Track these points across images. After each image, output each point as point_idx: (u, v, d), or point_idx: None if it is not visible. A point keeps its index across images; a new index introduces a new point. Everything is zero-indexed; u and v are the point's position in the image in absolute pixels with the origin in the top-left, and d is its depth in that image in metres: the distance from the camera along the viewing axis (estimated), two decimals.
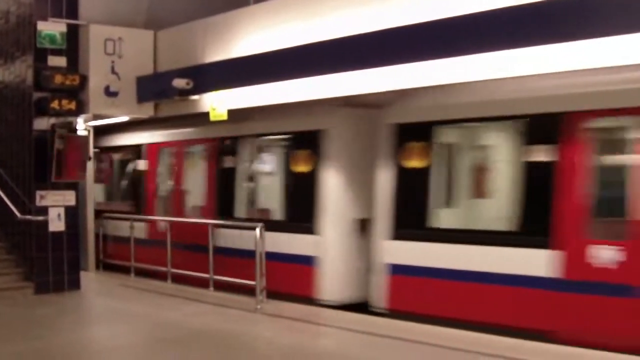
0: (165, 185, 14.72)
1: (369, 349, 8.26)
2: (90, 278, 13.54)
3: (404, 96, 9.91)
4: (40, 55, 11.98)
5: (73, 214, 12.25)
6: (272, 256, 10.96)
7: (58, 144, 11.73)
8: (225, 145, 13.04)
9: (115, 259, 14.59)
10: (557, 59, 7.60)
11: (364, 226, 11.08)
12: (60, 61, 12.13)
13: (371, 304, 10.38)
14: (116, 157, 16.30)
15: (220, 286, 11.82)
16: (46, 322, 10.06)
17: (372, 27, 9.42)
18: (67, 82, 11.98)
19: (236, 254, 11.95)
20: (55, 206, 12.01)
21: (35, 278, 11.89)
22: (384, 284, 10.14)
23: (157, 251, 13.22)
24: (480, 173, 10.30)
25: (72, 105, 12.07)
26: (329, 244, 11.07)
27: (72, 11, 12.31)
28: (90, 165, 13.70)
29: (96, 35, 12.88)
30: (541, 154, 8.57)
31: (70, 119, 12.19)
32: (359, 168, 11.10)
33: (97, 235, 14.72)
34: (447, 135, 10.15)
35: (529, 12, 7.77)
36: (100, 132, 15.54)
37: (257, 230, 10.62)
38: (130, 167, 15.63)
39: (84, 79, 12.43)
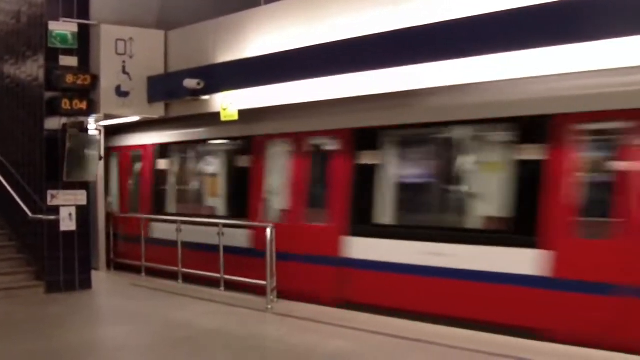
0: None
1: (381, 349, 8.24)
2: (101, 277, 13.57)
3: None
4: (52, 55, 12.04)
5: (84, 214, 12.29)
6: None
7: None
8: None
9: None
10: None
11: None
12: (71, 61, 12.18)
13: None
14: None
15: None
16: (57, 321, 10.08)
17: (384, 27, 9.43)
18: (79, 82, 12.04)
19: None
20: (66, 206, 12.06)
21: (47, 277, 11.94)
22: None
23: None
24: None
25: (84, 105, 12.13)
26: None
27: (83, 11, 12.38)
28: (101, 165, 13.72)
29: (107, 35, 12.87)
30: None
31: (81, 118, 12.23)
32: None
33: (107, 235, 14.76)
34: None
35: None
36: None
37: (268, 230, 10.63)
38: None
39: (96, 79, 12.46)
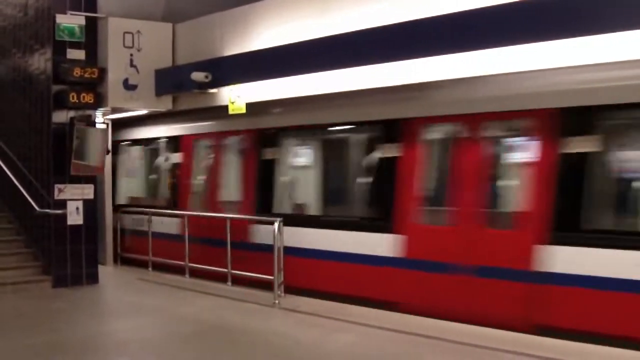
0: None
1: (388, 344, 8.18)
2: (108, 272, 13.53)
3: None
4: (59, 48, 11.96)
5: (91, 208, 12.24)
6: None
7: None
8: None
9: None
10: None
11: None
12: (79, 54, 12.11)
13: None
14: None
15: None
16: (63, 316, 10.05)
17: (389, 20, 9.33)
18: (86, 75, 11.95)
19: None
20: (73, 200, 11.99)
21: (53, 271, 11.90)
22: None
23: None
24: None
25: (91, 98, 12.03)
26: None
27: (90, 4, 12.33)
28: (109, 159, 13.67)
29: (115, 28, 12.83)
30: None
31: (88, 112, 12.16)
32: None
33: (115, 229, 14.70)
34: None
35: None
36: None
37: (276, 225, 10.56)
38: None
39: (103, 72, 12.37)
